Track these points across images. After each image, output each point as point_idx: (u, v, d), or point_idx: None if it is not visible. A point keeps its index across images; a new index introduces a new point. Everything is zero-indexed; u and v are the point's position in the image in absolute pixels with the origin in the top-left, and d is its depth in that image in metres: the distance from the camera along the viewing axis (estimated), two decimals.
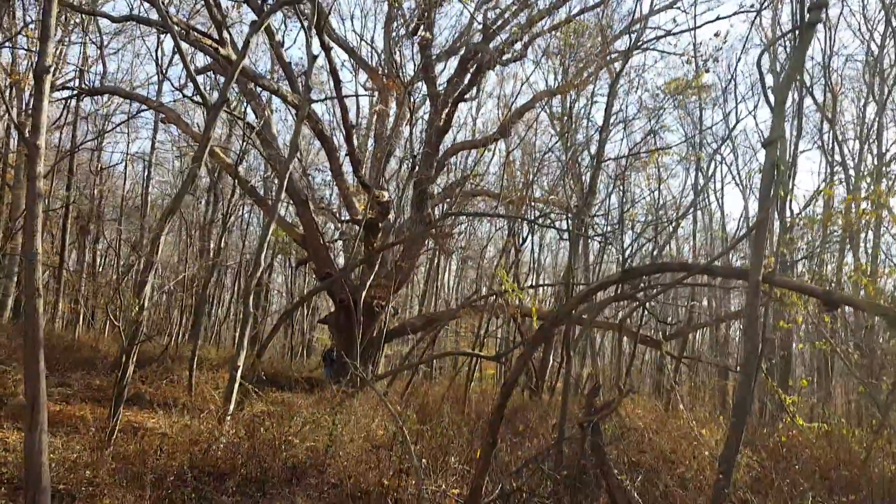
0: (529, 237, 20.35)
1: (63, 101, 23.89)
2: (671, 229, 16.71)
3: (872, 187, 12.95)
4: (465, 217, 27.48)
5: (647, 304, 18.80)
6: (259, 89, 19.48)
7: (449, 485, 6.18)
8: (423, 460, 6.18)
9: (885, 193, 9.36)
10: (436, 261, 32.83)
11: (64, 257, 24.86)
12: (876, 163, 19.76)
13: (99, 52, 23.81)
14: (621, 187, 18.25)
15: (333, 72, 12.71)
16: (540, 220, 15.79)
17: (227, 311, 37.47)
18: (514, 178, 22.05)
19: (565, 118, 20.91)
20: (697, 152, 23.38)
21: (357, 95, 19.93)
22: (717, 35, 16.17)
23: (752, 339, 5.31)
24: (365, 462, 6.75)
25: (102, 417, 10.31)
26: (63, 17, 23.51)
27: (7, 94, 23.72)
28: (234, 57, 15.39)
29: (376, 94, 23.10)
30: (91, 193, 30.41)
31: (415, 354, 17.23)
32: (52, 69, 5.35)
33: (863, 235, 18.17)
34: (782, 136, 5.82)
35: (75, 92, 19.77)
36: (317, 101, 22.42)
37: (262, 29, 16.02)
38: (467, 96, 16.89)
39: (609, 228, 17.83)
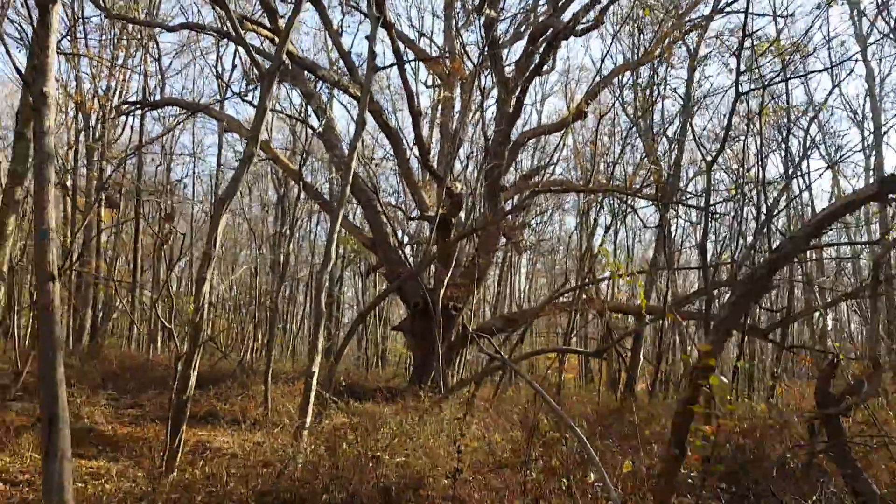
0: (614, 224, 18.78)
1: (126, 119, 23.75)
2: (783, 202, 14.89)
3: None
4: (535, 215, 26.13)
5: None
6: (320, 90, 18.77)
7: None
8: (564, 480, 4.89)
9: None
10: (507, 261, 31.58)
11: (137, 278, 24.70)
12: None
13: (158, 65, 23.61)
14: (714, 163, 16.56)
15: (396, 52, 11.62)
16: (630, 196, 14.21)
17: (300, 325, 37.11)
18: (587, 165, 20.59)
19: (646, 91, 19.34)
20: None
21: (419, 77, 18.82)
22: None
23: None
24: (477, 483, 5.53)
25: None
26: (124, 38, 23.49)
27: (72, 115, 23.80)
28: (291, 48, 14.58)
29: (437, 88, 22.09)
30: (159, 213, 30.55)
31: (499, 356, 15.94)
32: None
33: None
34: None
35: (138, 104, 19.38)
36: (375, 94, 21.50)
37: (319, 15, 15.17)
38: (543, 69, 15.54)
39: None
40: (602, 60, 20.48)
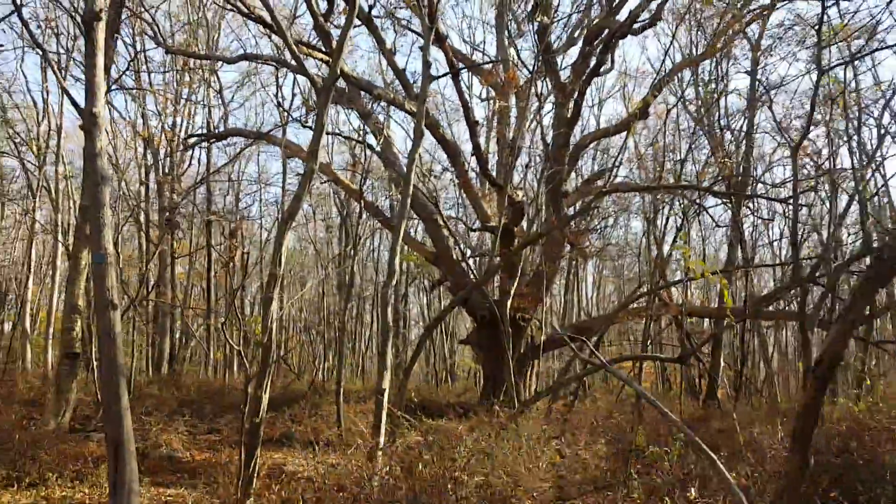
0: (684, 224, 18.06)
1: (192, 152, 24.40)
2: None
3: None
4: (601, 219, 25.46)
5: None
6: (376, 111, 18.79)
7: None
8: (666, 499, 4.48)
9: None
10: (573, 269, 30.92)
11: (211, 306, 25.23)
12: None
13: (220, 97, 24.19)
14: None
15: (450, 63, 11.48)
16: (702, 193, 13.51)
17: (368, 344, 37.30)
18: (653, 165, 19.90)
19: (709, 86, 18.66)
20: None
21: (474, 73, 18.59)
22: None
23: None
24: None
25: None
26: (186, 74, 24.19)
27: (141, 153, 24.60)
28: (345, 69, 14.63)
29: (491, 101, 21.87)
30: (229, 243, 31.33)
31: (574, 367, 15.44)
32: (103, 14, 4.32)
33: None
34: None
35: (203, 137, 19.86)
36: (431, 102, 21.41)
37: (372, 36, 15.18)
38: (601, 70, 15.11)
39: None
40: (663, 59, 19.68)
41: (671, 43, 17.36)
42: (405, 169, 8.33)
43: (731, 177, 13.87)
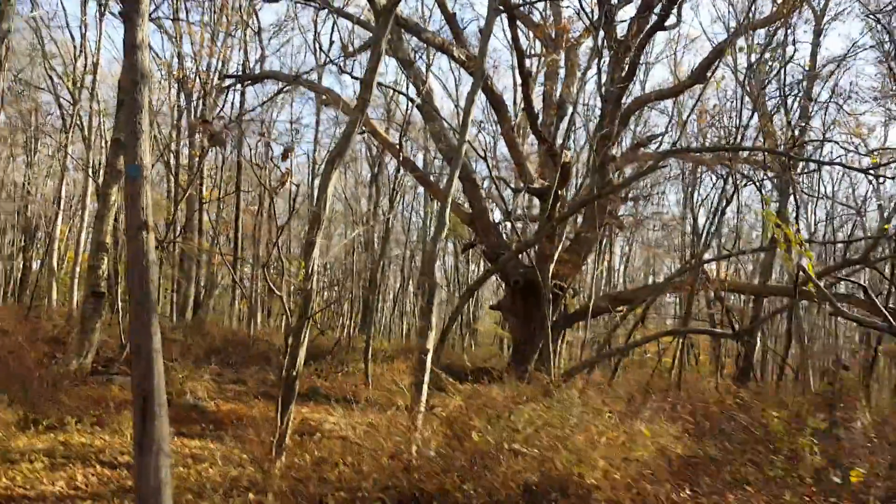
0: (736, 194, 17.12)
1: (226, 96, 23.79)
2: None
3: None
4: (643, 189, 24.54)
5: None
6: (418, 61, 17.97)
7: None
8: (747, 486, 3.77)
9: None
10: (605, 241, 30.03)
11: (238, 252, 24.85)
12: None
13: (258, 38, 23.47)
14: None
15: (505, 3, 10.61)
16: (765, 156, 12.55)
17: (394, 305, 36.95)
18: (700, 132, 18.86)
19: (766, 55, 17.53)
20: None
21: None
22: None
23: None
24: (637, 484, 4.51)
25: (275, 416, 9.01)
26: (224, 15, 23.50)
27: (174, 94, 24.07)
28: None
29: (540, 57, 20.87)
30: (260, 192, 30.87)
31: (615, 338, 14.83)
32: None
33: None
34: None
35: (238, 78, 19.23)
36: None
37: None
38: (666, 24, 14.12)
39: None
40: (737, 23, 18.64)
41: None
42: (462, 112, 7.63)
43: (794, 143, 12.93)
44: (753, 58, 18.59)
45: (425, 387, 6.89)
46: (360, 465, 5.54)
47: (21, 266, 28.87)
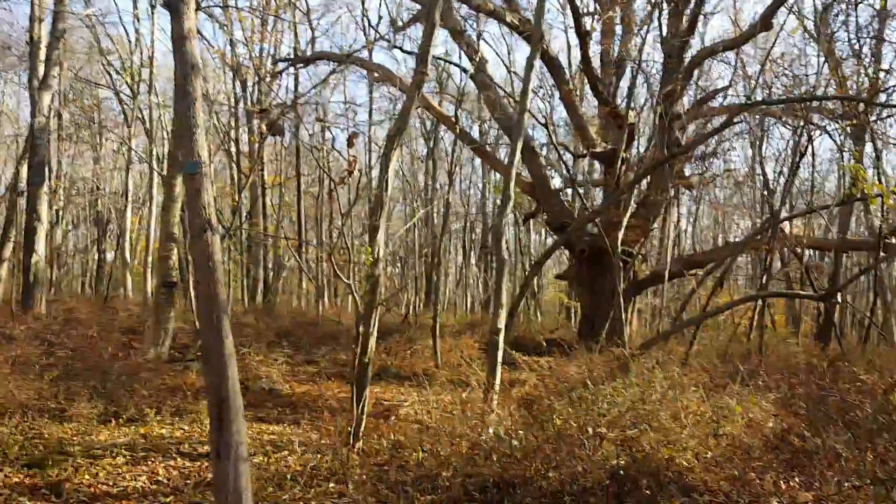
0: (809, 145, 16.21)
1: (280, 81, 23.88)
2: None
3: None
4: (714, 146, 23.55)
5: None
6: (468, 30, 17.56)
7: None
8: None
9: None
10: (672, 202, 29.05)
11: (302, 235, 25.15)
12: None
13: (307, 19, 23.43)
14: None
15: None
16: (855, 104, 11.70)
17: (457, 278, 36.91)
18: (774, 82, 17.80)
19: None
20: None
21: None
22: None
23: None
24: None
25: (348, 398, 9.03)
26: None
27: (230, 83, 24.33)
28: None
29: (597, 15, 20.13)
30: (320, 173, 31.16)
31: (692, 304, 14.28)
32: None
33: None
34: None
35: (290, 61, 19.25)
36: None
37: None
38: None
39: None
40: None
41: None
42: (523, 80, 7.33)
43: (876, 87, 12.07)
44: (819, 1, 17.45)
45: (499, 367, 6.73)
46: (438, 451, 5.43)
47: (96, 258, 30.01)
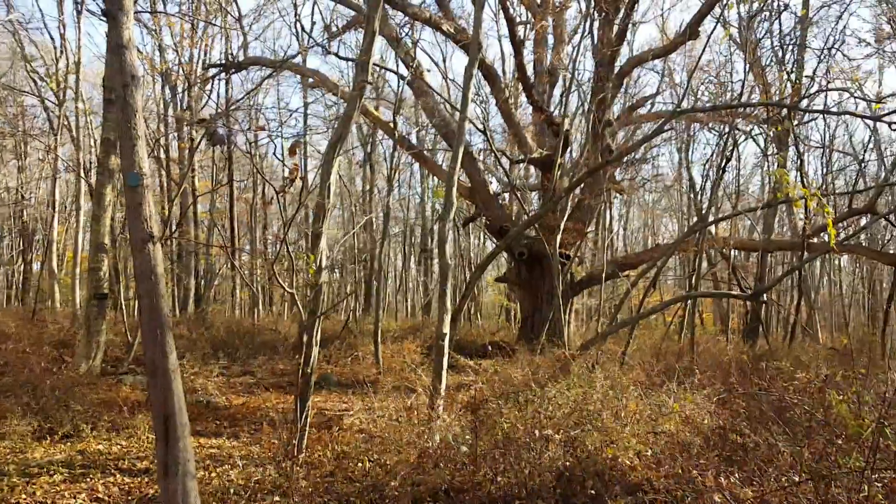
0: (735, 151, 16.90)
1: (212, 86, 23.34)
2: None
3: None
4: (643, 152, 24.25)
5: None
6: (404, 37, 17.59)
7: None
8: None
9: None
10: (603, 206, 29.78)
11: (235, 243, 24.64)
12: None
13: (239, 25, 22.97)
14: None
15: None
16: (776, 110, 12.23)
17: (396, 283, 36.82)
18: (700, 89, 18.48)
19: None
20: None
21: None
22: None
23: None
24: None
25: (288, 409, 8.90)
26: (203, 5, 22.98)
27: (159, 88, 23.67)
28: None
29: (529, 25, 20.49)
30: (254, 179, 30.62)
31: (627, 305, 14.65)
32: None
33: None
34: None
35: (222, 67, 18.84)
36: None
37: None
38: None
39: None
40: None
41: None
42: (463, 88, 7.38)
43: (796, 94, 12.69)
44: (745, 9, 18.25)
45: (444, 372, 6.75)
46: (385, 460, 5.41)
47: (22, 270, 28.73)
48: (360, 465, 5.46)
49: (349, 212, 32.34)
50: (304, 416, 5.77)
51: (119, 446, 6.67)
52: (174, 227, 21.68)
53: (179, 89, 24.83)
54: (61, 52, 21.11)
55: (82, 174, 18.46)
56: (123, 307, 14.48)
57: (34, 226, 29.29)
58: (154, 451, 6.47)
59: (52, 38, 22.40)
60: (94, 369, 10.63)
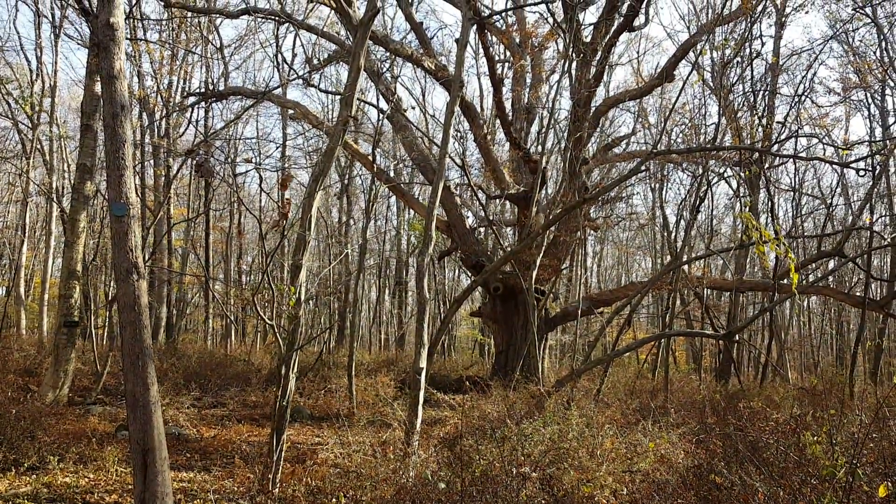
0: (709, 192, 17.25)
1: (190, 114, 23.33)
2: None
3: None
4: (619, 191, 24.64)
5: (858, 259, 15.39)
6: (385, 72, 17.84)
7: None
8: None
9: None
10: (578, 243, 30.11)
11: (209, 272, 24.41)
12: None
13: (220, 54, 23.12)
14: None
15: (475, 11, 10.54)
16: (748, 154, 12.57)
17: (371, 314, 36.64)
18: (673, 130, 18.94)
19: (728, 51, 17.71)
20: None
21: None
22: None
23: None
24: None
25: (262, 441, 8.77)
26: (183, 32, 23.08)
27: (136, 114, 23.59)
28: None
29: (507, 63, 20.90)
30: (230, 208, 30.53)
31: (601, 342, 14.73)
32: None
33: None
34: None
35: (202, 96, 18.85)
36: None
37: None
38: (635, 24, 14.16)
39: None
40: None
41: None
42: (444, 125, 7.50)
43: (767, 138, 13.06)
44: (717, 55, 18.82)
45: (420, 407, 6.72)
46: (360, 496, 5.36)
47: None
48: (334, 500, 5.39)
49: (325, 243, 32.27)
50: (279, 450, 5.70)
51: (87, 479, 6.51)
52: (148, 256, 21.47)
53: (157, 116, 24.77)
54: (37, 75, 21.03)
55: (55, 199, 18.26)
56: (93, 336, 14.21)
57: (1, 250, 28.77)
58: (123, 484, 6.34)
59: (27, 61, 22.31)
60: (61, 399, 10.41)
